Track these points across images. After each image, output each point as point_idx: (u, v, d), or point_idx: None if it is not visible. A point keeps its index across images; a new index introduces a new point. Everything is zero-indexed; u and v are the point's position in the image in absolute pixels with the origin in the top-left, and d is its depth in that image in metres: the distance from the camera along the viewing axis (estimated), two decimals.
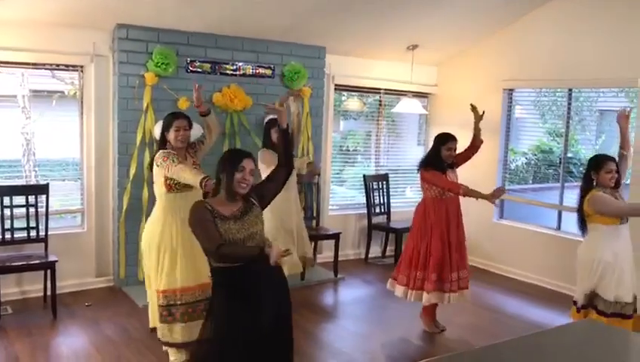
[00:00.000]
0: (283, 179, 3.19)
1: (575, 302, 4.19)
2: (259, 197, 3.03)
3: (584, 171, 4.23)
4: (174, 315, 3.86)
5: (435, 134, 4.87)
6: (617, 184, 4.10)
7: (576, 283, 4.21)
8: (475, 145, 4.95)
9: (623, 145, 4.28)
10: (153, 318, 4.11)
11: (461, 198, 4.68)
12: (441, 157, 4.62)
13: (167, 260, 3.88)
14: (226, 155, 3.04)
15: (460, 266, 4.73)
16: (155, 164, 3.91)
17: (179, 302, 3.86)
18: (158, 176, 3.91)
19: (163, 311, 3.88)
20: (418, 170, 4.75)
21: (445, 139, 4.65)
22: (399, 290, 4.79)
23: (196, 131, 5.51)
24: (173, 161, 3.76)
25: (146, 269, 4.07)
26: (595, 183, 4.07)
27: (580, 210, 4.14)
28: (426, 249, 4.67)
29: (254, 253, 2.75)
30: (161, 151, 3.91)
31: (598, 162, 4.08)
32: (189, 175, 3.66)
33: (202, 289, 3.87)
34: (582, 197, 4.12)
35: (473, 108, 4.98)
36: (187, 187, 3.81)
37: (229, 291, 2.87)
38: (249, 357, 2.84)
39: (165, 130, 3.96)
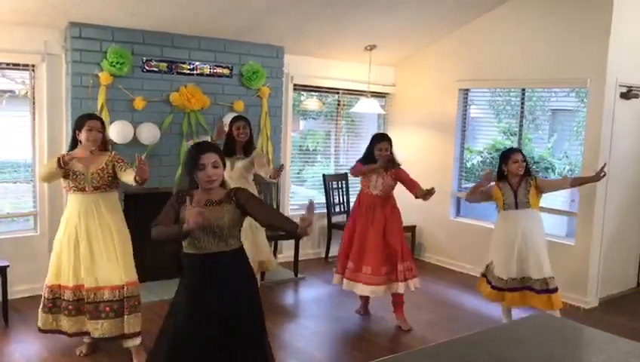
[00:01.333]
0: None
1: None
2: (241, 205, 2.95)
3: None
4: (59, 306, 4.06)
5: (394, 133, 4.99)
6: (528, 172, 4.73)
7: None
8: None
9: (576, 183, 4.83)
10: None
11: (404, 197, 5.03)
12: (374, 156, 4.87)
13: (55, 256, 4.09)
14: (187, 154, 3.06)
15: (403, 258, 4.91)
16: None
17: (64, 297, 4.03)
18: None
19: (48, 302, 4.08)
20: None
21: (377, 140, 4.93)
22: (336, 278, 5.12)
23: (155, 133, 5.47)
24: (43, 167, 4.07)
25: None
26: (506, 173, 4.71)
27: None
28: (362, 240, 4.92)
29: (175, 230, 2.85)
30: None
31: (506, 155, 4.74)
32: (46, 166, 4.00)
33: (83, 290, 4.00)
34: None
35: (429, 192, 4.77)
36: (80, 189, 3.94)
37: (187, 278, 3.01)
38: (197, 350, 2.89)
39: (77, 129, 3.97)
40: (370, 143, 4.95)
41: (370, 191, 4.94)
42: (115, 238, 4.00)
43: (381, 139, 4.91)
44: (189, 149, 3.10)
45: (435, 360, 2.32)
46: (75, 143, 4.01)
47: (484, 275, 4.96)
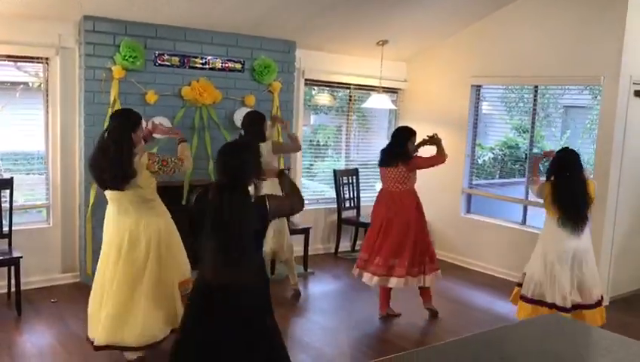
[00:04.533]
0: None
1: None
2: None
3: (572, 160, 4.41)
4: None
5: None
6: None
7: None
8: (441, 160, 5.03)
9: None
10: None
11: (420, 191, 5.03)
12: (407, 150, 4.90)
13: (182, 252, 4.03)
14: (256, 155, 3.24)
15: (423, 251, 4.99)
16: (148, 170, 3.73)
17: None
18: (149, 180, 3.79)
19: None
20: (395, 164, 4.88)
21: (412, 134, 4.96)
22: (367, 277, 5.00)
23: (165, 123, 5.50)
24: (173, 161, 3.86)
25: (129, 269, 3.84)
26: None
27: (584, 197, 4.36)
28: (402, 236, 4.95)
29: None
30: (149, 156, 3.77)
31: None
32: (185, 153, 4.01)
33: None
34: (583, 182, 4.37)
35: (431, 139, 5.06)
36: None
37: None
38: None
39: (134, 129, 3.76)
40: (404, 139, 4.92)
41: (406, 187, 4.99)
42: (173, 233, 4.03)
43: (414, 133, 4.98)
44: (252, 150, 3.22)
45: (444, 358, 2.33)
46: (130, 141, 3.73)
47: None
